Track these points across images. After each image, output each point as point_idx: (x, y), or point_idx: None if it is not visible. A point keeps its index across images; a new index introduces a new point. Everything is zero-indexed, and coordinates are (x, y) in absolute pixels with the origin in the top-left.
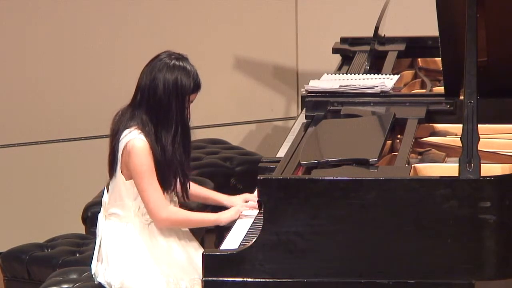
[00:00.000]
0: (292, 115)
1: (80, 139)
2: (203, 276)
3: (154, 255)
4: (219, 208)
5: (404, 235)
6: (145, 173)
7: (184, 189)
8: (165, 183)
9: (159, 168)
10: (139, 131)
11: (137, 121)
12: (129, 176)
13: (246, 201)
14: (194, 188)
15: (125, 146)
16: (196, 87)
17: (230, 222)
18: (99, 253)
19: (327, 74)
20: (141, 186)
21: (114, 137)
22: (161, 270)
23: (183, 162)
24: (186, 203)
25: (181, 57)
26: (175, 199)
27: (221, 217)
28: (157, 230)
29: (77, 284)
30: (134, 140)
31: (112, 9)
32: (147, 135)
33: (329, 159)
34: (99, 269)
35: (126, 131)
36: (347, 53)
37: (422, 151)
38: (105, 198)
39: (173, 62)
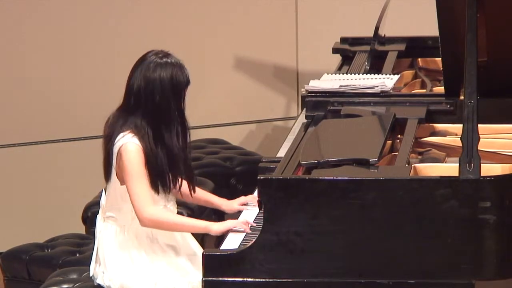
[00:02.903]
0: (292, 115)
1: (80, 139)
2: (203, 276)
3: (152, 258)
4: (218, 210)
5: (404, 235)
6: (133, 173)
7: (179, 185)
8: (163, 184)
9: (153, 171)
10: (133, 134)
11: (131, 126)
12: (123, 180)
13: (243, 204)
14: (203, 195)
15: (119, 150)
16: (188, 79)
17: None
18: (97, 255)
19: (327, 74)
20: (129, 185)
21: (109, 141)
22: (160, 273)
23: (185, 157)
24: (186, 204)
25: (168, 54)
26: (174, 199)
27: (212, 227)
28: (155, 233)
29: (77, 284)
30: (127, 144)
31: (111, 9)
32: (141, 139)
33: (329, 159)
34: (98, 271)
35: (120, 135)
36: (347, 53)
37: (422, 151)
38: (103, 200)
39: (164, 60)
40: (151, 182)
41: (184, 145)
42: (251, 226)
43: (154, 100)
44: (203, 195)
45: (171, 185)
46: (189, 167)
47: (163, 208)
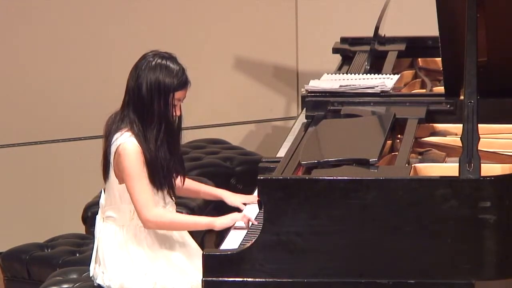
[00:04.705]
0: (292, 115)
1: (80, 139)
2: (203, 276)
3: (152, 258)
4: (219, 207)
5: (404, 235)
6: (134, 174)
7: (170, 187)
8: (155, 182)
9: (149, 167)
10: (130, 133)
11: (126, 121)
12: (122, 179)
13: (245, 203)
14: (192, 185)
15: (117, 149)
16: (181, 85)
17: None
18: (97, 255)
19: (327, 74)
20: (130, 187)
21: (106, 140)
22: (159, 273)
23: (167, 159)
24: (186, 204)
25: (166, 56)
26: (172, 200)
27: (216, 222)
28: (154, 233)
29: (77, 284)
30: (125, 143)
31: (111, 9)
32: (136, 135)
33: (329, 159)
34: (97, 271)
35: (118, 134)
36: (347, 53)
37: (422, 151)
38: (102, 200)
39: (155, 61)
40: (151, 182)
41: (166, 147)
42: (251, 225)
43: (139, 96)
44: (203, 189)
45: (171, 185)
46: (169, 170)
47: (162, 208)
